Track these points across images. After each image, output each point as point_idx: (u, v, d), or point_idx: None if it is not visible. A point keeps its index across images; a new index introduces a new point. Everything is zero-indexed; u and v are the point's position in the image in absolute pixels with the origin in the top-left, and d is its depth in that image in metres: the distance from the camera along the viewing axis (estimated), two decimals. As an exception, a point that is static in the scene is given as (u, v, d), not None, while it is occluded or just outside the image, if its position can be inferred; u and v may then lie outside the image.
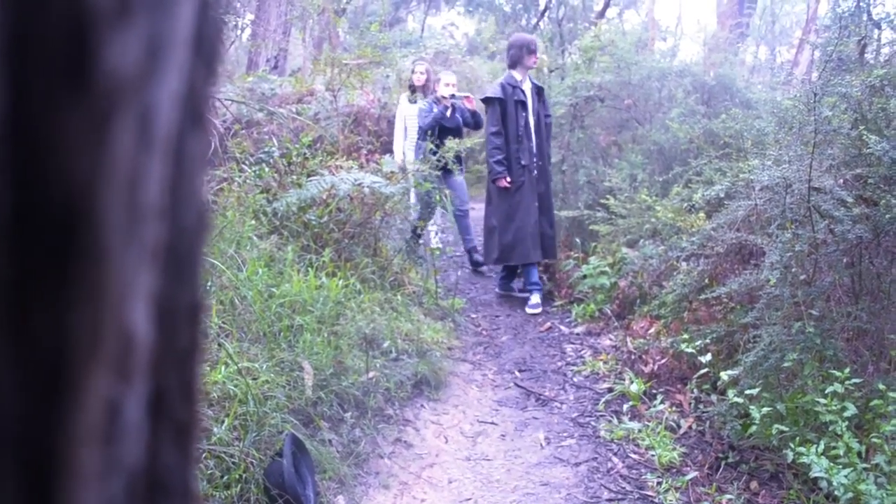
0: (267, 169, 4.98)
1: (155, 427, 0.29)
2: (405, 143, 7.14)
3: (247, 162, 5.09)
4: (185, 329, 0.32)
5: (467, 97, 6.72)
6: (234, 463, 3.04)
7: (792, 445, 3.05)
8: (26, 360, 0.20)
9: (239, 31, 13.55)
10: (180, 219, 0.30)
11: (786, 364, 3.38)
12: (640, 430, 3.83)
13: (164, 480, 0.30)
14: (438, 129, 6.58)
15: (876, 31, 4.60)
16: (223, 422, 3.13)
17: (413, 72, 7.17)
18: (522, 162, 6.02)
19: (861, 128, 3.52)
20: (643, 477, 3.52)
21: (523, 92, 6.14)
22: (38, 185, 0.21)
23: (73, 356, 0.22)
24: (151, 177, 0.26)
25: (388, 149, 7.07)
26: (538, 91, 6.29)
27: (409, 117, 7.09)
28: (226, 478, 2.97)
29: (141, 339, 0.27)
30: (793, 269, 3.58)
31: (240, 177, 4.84)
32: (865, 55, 4.38)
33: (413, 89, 7.17)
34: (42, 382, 0.21)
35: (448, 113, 6.61)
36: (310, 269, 4.47)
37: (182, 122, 0.29)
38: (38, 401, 0.21)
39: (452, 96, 6.62)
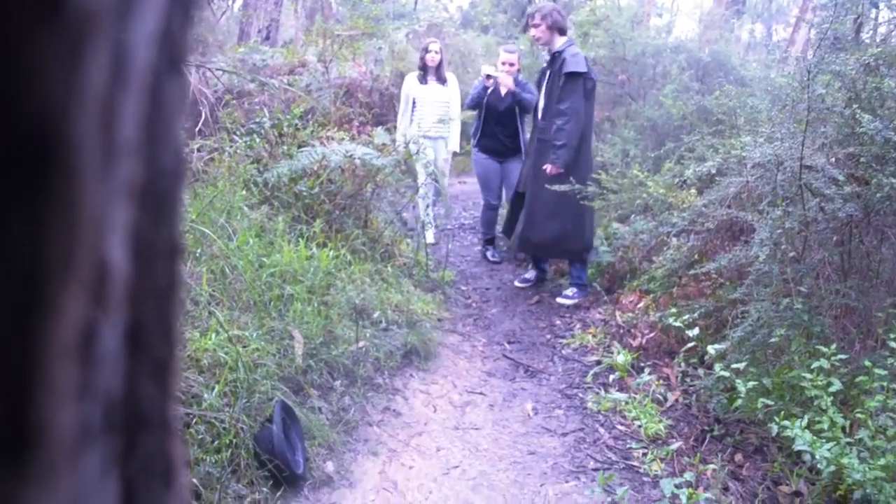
0: (258, 139, 4.96)
1: (133, 360, 0.30)
2: (409, 127, 6.72)
3: (238, 132, 5.07)
4: (164, 268, 0.32)
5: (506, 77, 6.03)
6: (224, 428, 3.06)
7: (777, 419, 3.08)
8: (1, 274, 0.21)
9: (230, 2, 13.41)
10: (158, 159, 0.30)
11: (773, 340, 3.41)
12: (626, 402, 3.87)
13: (143, 413, 0.31)
14: (486, 112, 6.20)
15: (873, 10, 4.58)
16: (214, 388, 3.15)
17: (427, 51, 6.66)
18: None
19: (855, 106, 3.52)
20: (629, 448, 3.56)
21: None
22: (12, 103, 0.21)
23: (47, 274, 0.22)
24: (126, 113, 0.26)
25: (379, 121, 7.02)
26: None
27: (418, 99, 6.67)
28: (216, 442, 3.00)
29: (117, 272, 0.27)
30: (782, 246, 3.60)
31: (231, 147, 4.82)
32: (861, 34, 4.37)
33: (424, 69, 6.68)
34: (17, 297, 0.21)
35: (499, 91, 6.01)
36: (300, 239, 4.47)
37: (158, 64, 0.29)
38: (13, 315, 0.21)
39: (489, 76, 6.01)
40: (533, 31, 5.44)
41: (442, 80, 6.67)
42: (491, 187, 6.43)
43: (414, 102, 6.72)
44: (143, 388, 0.31)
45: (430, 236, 6.61)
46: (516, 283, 5.89)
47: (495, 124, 6.30)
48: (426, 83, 6.68)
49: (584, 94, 5.17)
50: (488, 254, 6.60)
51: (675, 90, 5.25)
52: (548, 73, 5.43)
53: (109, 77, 0.24)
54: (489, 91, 6.11)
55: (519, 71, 6.28)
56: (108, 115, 0.25)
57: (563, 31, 5.39)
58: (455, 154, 7.09)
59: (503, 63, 6.23)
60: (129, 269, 0.28)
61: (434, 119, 6.63)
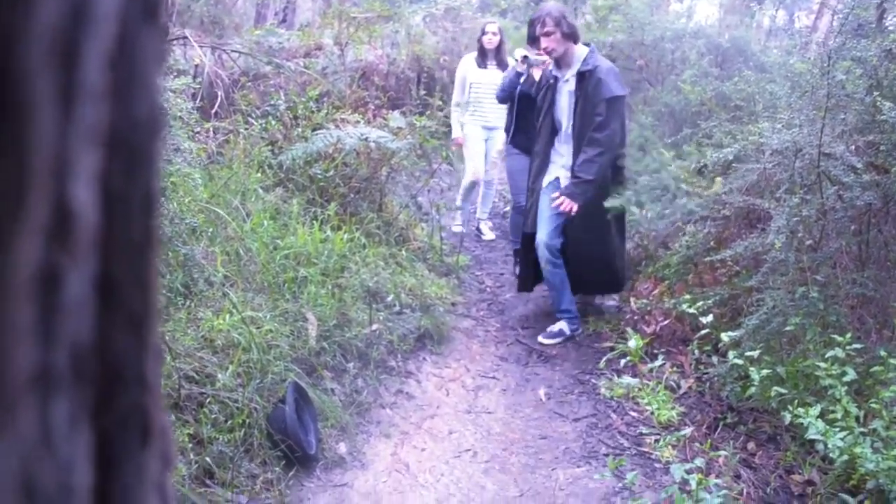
0: (273, 122, 4.96)
1: (105, 311, 0.29)
2: (464, 116, 6.22)
3: (253, 115, 5.07)
4: (139, 221, 0.32)
5: (545, 63, 4.91)
6: (237, 408, 3.08)
7: (790, 408, 3.06)
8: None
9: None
10: (130, 109, 0.30)
11: (788, 328, 3.38)
12: (639, 389, 3.86)
13: (118, 367, 0.31)
14: (520, 101, 5.24)
15: (897, -5, 4.50)
16: (227, 368, 3.17)
17: (484, 32, 6.17)
18: None
19: (875, 94, 3.47)
20: (641, 434, 3.55)
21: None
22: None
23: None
24: (89, 55, 0.26)
25: (395, 105, 6.99)
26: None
27: (475, 84, 6.16)
28: (229, 422, 3.02)
29: (83, 218, 0.27)
30: (799, 234, 3.56)
31: (246, 129, 4.83)
32: (884, 21, 4.30)
33: (483, 52, 6.16)
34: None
35: (533, 78, 4.98)
36: (315, 222, 4.48)
37: (129, 11, 0.29)
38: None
39: (525, 58, 4.99)
40: (544, 42, 4.52)
41: (502, 64, 6.08)
42: (522, 188, 5.33)
43: (470, 87, 6.25)
44: (117, 342, 0.31)
45: (458, 225, 6.44)
46: (543, 340, 4.70)
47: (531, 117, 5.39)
48: (485, 67, 6.17)
49: (623, 115, 4.49)
50: (517, 269, 5.48)
51: (694, 76, 5.19)
52: (571, 93, 4.53)
53: (69, 15, 0.24)
54: (523, 79, 5.13)
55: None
56: (67, 55, 0.24)
57: (576, 38, 4.56)
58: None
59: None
60: (99, 217, 0.28)
61: (491, 107, 6.04)
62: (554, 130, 4.72)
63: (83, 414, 0.28)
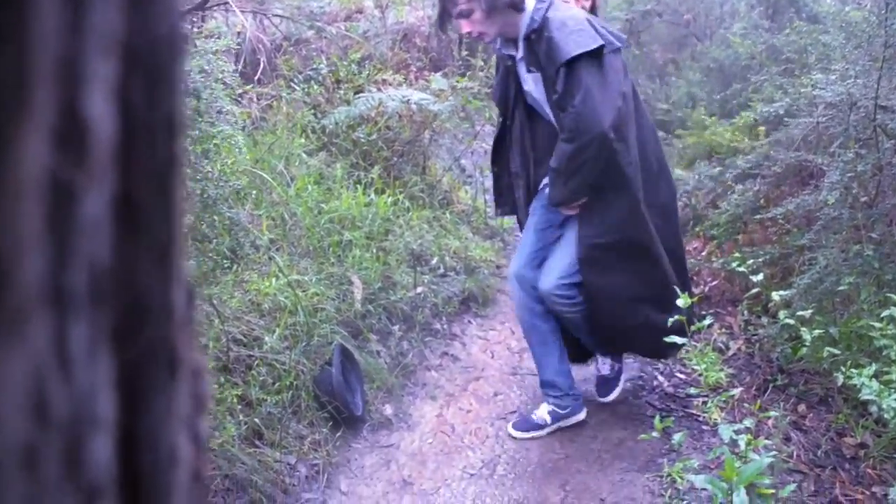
0: (316, 86, 4.96)
1: (127, 236, 0.29)
2: None
3: (295, 79, 5.07)
4: (162, 144, 0.31)
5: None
6: (284, 370, 3.13)
7: (843, 369, 2.99)
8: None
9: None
10: (150, 24, 0.29)
11: (841, 288, 3.29)
12: (687, 350, 3.81)
13: (142, 296, 0.30)
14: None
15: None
16: (274, 331, 3.22)
17: None
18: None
19: (936, 42, 3.32)
20: (688, 395, 3.52)
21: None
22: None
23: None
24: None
25: (437, 66, 6.90)
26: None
27: None
28: (277, 384, 3.07)
29: (97, 129, 0.26)
30: (854, 191, 3.45)
31: (288, 94, 4.83)
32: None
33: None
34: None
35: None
36: (358, 186, 4.48)
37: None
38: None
39: None
40: (465, 28, 2.88)
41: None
42: None
43: None
44: (140, 269, 0.30)
45: None
46: (513, 432, 3.32)
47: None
48: None
49: (609, 76, 2.83)
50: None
51: (744, 28, 5.03)
52: (525, 71, 3.00)
53: None
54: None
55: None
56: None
57: (518, 6, 2.85)
58: None
59: None
60: (117, 133, 0.27)
61: None
62: (541, 132, 3.14)
63: (103, 340, 0.27)
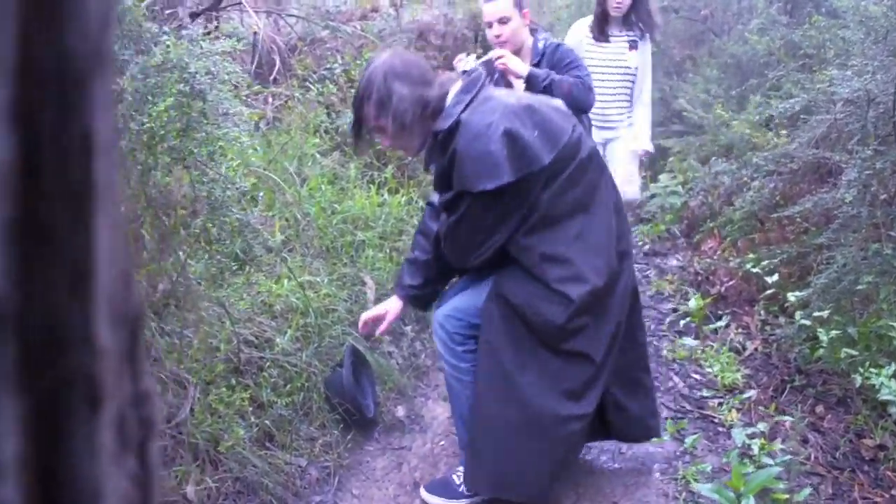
0: (330, 86, 4.95)
1: (38, 261, 0.27)
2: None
3: (310, 79, 5.07)
4: (76, 165, 0.29)
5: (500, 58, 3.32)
6: (296, 372, 3.12)
7: (861, 370, 2.94)
8: None
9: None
10: (60, 42, 0.27)
11: (860, 287, 3.24)
12: (702, 351, 3.76)
13: (55, 325, 0.28)
14: None
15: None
16: (286, 333, 3.21)
17: None
18: None
19: (957, 36, 3.25)
20: (703, 397, 3.47)
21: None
22: None
23: None
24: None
25: (452, 65, 6.87)
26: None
27: (590, 65, 3.95)
28: (288, 386, 3.07)
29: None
30: (873, 188, 3.39)
31: (302, 94, 4.83)
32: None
33: (605, 19, 4.38)
34: None
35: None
36: (372, 185, 4.47)
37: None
38: None
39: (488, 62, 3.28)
40: (382, 141, 2.59)
41: (635, 29, 4.42)
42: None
43: None
44: (53, 297, 0.28)
45: None
46: (425, 495, 2.87)
47: None
48: (605, 41, 4.41)
49: (490, 216, 2.39)
50: None
51: (762, 24, 4.96)
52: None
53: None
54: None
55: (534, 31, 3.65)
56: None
57: (435, 113, 2.41)
58: (649, 154, 4.78)
59: (490, 24, 3.55)
60: (14, 156, 0.26)
61: (612, 99, 4.46)
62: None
63: (7, 375, 0.26)
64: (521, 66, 3.36)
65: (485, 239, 2.40)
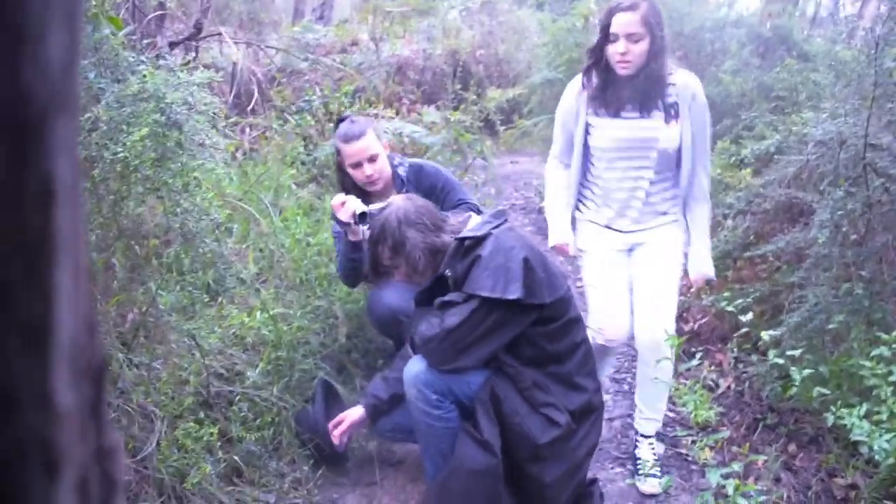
0: (308, 117, 4.96)
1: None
2: (575, 199, 3.19)
3: (288, 111, 5.08)
4: (32, 215, 0.27)
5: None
6: (266, 406, 3.07)
7: (833, 409, 2.96)
8: None
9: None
10: (17, 76, 0.26)
11: (831, 326, 3.27)
12: (676, 388, 3.76)
13: (10, 387, 0.26)
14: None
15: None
16: (257, 366, 3.17)
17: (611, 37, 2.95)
18: None
19: (925, 81, 3.33)
20: (677, 435, 3.47)
21: None
22: None
23: None
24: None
25: (430, 99, 6.92)
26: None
27: (597, 139, 3.04)
28: (258, 420, 3.01)
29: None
30: (844, 229, 3.44)
31: (280, 125, 4.83)
32: (936, 6, 4.13)
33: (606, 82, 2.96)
34: None
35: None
36: (347, 218, 4.45)
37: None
38: None
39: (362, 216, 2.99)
40: (396, 276, 2.80)
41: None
42: None
43: (587, 136, 3.08)
44: (6, 357, 0.27)
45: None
46: None
47: None
48: (615, 114, 3.01)
49: (494, 335, 2.54)
50: None
51: (735, 66, 5.06)
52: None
53: None
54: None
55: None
56: None
57: (441, 252, 2.68)
58: (709, 282, 3.46)
59: (359, 164, 3.24)
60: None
61: (633, 190, 3.07)
62: None
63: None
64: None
65: (475, 345, 2.52)
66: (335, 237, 3.40)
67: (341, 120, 3.32)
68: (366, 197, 3.20)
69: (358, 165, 3.22)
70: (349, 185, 3.33)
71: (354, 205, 3.01)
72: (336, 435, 2.95)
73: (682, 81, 3.01)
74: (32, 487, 0.28)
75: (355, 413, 2.97)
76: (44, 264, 0.28)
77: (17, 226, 0.27)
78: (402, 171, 3.34)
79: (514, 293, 2.42)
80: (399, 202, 2.71)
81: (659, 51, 2.92)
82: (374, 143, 3.22)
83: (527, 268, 2.46)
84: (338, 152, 3.30)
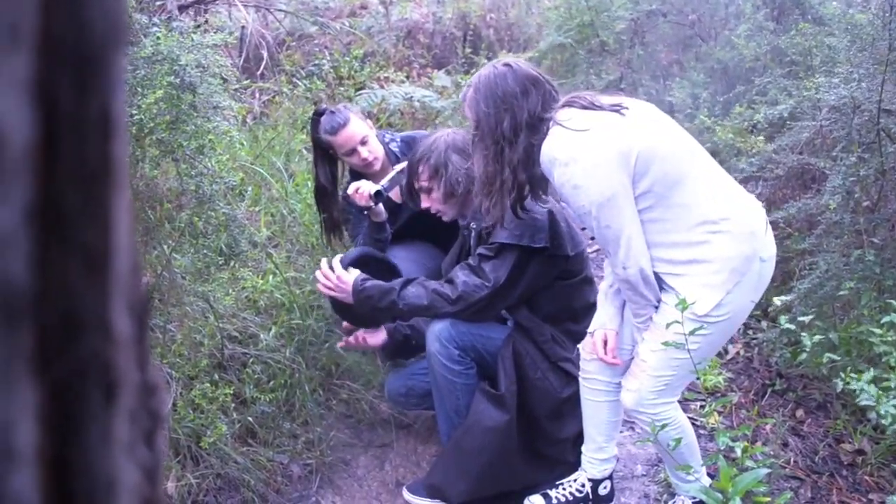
0: (318, 82, 4.94)
1: (51, 246, 0.26)
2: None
3: (298, 75, 5.05)
4: (94, 145, 0.28)
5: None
6: (280, 368, 3.10)
7: (842, 375, 2.97)
8: None
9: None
10: (78, 15, 0.26)
11: (842, 293, 3.27)
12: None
13: (70, 310, 0.28)
14: None
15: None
16: (270, 329, 3.20)
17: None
18: None
19: (942, 46, 3.29)
20: (685, 399, 3.49)
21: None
22: None
23: None
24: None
25: (440, 63, 6.86)
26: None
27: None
28: (272, 383, 3.05)
29: (8, 129, 0.23)
30: (856, 195, 3.42)
31: (290, 90, 4.81)
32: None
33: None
34: None
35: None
36: (358, 182, 4.45)
37: None
38: None
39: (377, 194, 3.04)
40: (423, 200, 2.84)
41: None
42: None
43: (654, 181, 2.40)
44: (69, 282, 0.28)
45: None
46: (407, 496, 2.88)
47: None
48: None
49: (524, 277, 2.65)
50: None
51: (749, 30, 4.99)
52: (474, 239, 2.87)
53: None
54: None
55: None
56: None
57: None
58: None
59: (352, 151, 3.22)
60: (36, 134, 0.25)
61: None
62: None
63: (23, 363, 0.25)
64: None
65: (511, 295, 2.62)
66: (353, 223, 3.44)
67: (318, 115, 3.26)
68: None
69: (352, 152, 3.20)
70: (326, 179, 3.33)
71: (367, 187, 3.03)
72: (346, 342, 3.02)
73: None
74: (92, 410, 0.29)
75: (376, 339, 3.00)
76: (104, 195, 0.29)
77: (80, 154, 0.28)
78: (394, 146, 3.34)
79: (541, 242, 2.55)
80: (448, 131, 2.84)
81: None
82: (361, 126, 3.21)
83: (552, 220, 2.58)
84: (328, 147, 3.24)
